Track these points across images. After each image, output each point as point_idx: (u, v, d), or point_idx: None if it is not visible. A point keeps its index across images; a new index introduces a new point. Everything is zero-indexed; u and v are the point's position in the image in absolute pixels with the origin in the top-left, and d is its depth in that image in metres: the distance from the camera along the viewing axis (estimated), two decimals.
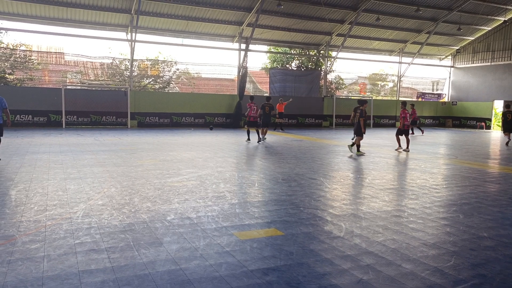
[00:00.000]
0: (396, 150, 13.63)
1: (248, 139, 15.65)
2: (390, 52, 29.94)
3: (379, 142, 16.78)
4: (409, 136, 14.10)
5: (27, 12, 20.31)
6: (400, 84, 32.05)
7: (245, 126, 15.84)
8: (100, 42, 44.36)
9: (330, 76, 30.17)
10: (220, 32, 24.46)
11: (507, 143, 16.44)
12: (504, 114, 16.85)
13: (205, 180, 7.61)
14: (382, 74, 34.45)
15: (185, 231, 4.60)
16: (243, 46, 24.63)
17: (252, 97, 16.17)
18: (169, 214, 5.25)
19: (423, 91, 32.61)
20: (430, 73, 43.59)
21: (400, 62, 30.30)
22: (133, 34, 22.07)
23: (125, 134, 17.81)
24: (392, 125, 29.82)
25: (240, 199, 6.19)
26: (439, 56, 31.64)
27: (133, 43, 22.27)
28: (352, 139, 13.41)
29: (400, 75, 30.80)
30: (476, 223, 5.21)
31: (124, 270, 3.50)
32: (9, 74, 21.78)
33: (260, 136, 15.51)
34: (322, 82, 28.31)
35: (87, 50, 53.92)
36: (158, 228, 4.69)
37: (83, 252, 3.88)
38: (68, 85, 22.48)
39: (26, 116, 20.38)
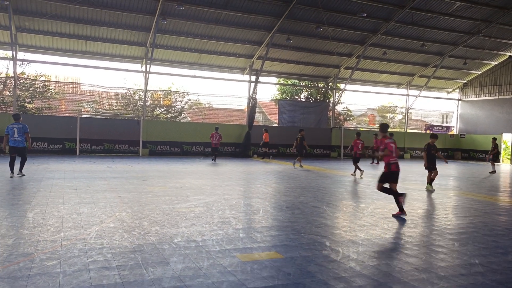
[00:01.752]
0: (351, 174, 15.48)
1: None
2: (398, 84, 30.45)
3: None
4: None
5: (49, 45, 21.37)
6: (409, 116, 32.42)
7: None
8: (115, 73, 45.82)
9: (339, 108, 30.70)
10: (231, 64, 25.29)
11: None
12: None
13: (212, 206, 7.93)
14: (391, 106, 34.91)
15: (190, 252, 4.90)
16: (253, 78, 25.37)
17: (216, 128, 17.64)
18: (176, 237, 5.56)
19: (432, 123, 32.88)
20: (439, 105, 43.84)
21: (407, 95, 30.75)
22: (148, 65, 22.96)
23: (136, 162, 18.29)
24: (401, 157, 29.90)
25: (244, 225, 6.48)
26: (447, 89, 32.07)
27: (147, 74, 23.14)
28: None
29: (408, 107, 31.17)
30: (469, 250, 5.42)
31: (133, 285, 3.81)
32: (28, 103, 22.66)
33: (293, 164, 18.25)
34: (330, 113, 28.79)
35: (103, 80, 55.57)
36: (165, 249, 4.99)
37: (96, 269, 4.20)
38: (84, 114, 23.26)
39: (42, 143, 21.06)
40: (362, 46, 25.21)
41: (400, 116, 33.26)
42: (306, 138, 25.22)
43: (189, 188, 10.30)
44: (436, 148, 11.91)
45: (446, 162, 13.05)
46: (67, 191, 9.22)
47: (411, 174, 17.20)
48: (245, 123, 25.75)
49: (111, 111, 24.44)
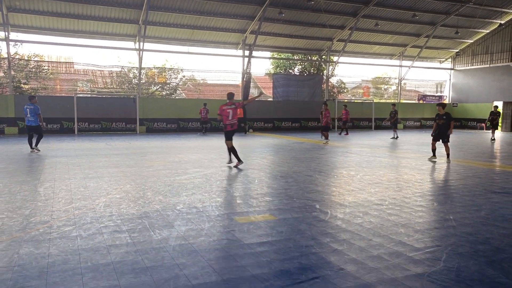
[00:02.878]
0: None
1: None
2: (391, 56, 30.65)
3: (378, 143, 17.47)
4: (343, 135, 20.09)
5: (41, 25, 21.37)
6: (404, 87, 32.76)
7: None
8: (109, 51, 45.54)
9: (333, 80, 30.99)
10: (225, 39, 25.37)
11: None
12: None
13: (210, 177, 8.41)
14: (386, 77, 35.18)
15: (192, 217, 5.39)
16: (247, 52, 25.51)
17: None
18: (179, 205, 6.05)
19: (425, 94, 33.28)
20: (432, 75, 44.18)
21: (400, 66, 31.01)
22: (141, 43, 23.05)
23: (134, 139, 18.69)
24: None
25: (241, 193, 6.98)
26: (439, 59, 32.31)
27: (141, 52, 23.24)
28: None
29: (401, 78, 31.47)
30: (446, 209, 5.95)
31: (143, 244, 4.30)
32: (24, 84, 22.82)
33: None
34: (324, 86, 29.09)
35: (97, 59, 55.18)
36: (169, 215, 5.48)
37: (108, 233, 4.69)
38: (80, 93, 23.47)
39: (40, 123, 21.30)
40: (354, 18, 25.30)
41: (394, 87, 33.60)
42: (301, 111, 25.75)
43: (187, 162, 10.76)
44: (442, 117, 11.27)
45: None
46: (71, 167, 9.66)
47: (403, 143, 17.72)
48: (240, 98, 26.02)
49: (106, 90, 24.65)
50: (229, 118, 10.13)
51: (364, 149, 14.63)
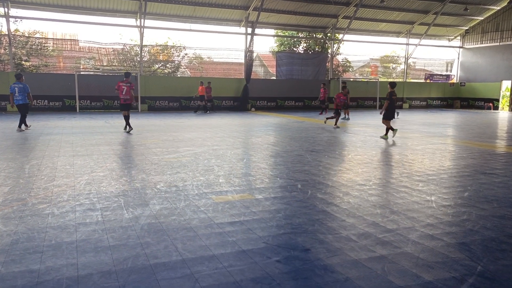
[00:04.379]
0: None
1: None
2: (398, 33, 29.98)
3: (379, 123, 17.24)
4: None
5: (41, 1, 21.15)
6: (413, 66, 32.15)
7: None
8: (111, 28, 45.23)
9: (339, 58, 30.52)
10: (227, 16, 24.96)
11: None
12: None
13: (199, 156, 8.37)
14: (394, 56, 34.53)
15: (170, 196, 5.36)
16: (250, 30, 25.11)
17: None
18: (160, 183, 6.02)
19: (432, 72, 32.67)
20: (440, 54, 43.29)
21: (407, 44, 30.34)
22: (142, 20, 22.77)
23: (135, 117, 18.66)
24: (399, 107, 30.04)
25: (226, 172, 6.92)
26: (448, 37, 31.54)
27: (142, 29, 22.99)
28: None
29: (408, 56, 30.85)
30: (430, 190, 5.84)
31: (112, 223, 4.29)
32: (25, 61, 22.79)
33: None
34: (328, 65, 28.65)
35: (99, 36, 54.91)
36: (147, 193, 5.46)
37: (81, 211, 4.68)
38: (82, 71, 23.41)
39: (42, 101, 21.42)
40: None
41: (403, 66, 33.01)
42: (304, 90, 25.43)
43: (181, 141, 10.72)
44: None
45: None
46: (63, 145, 9.67)
47: (404, 123, 17.49)
48: (243, 77, 25.78)
49: (108, 68, 24.54)
50: (123, 93, 12.27)
51: (363, 129, 14.47)
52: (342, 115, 18.88)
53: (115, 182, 6.07)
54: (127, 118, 12.58)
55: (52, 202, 4.98)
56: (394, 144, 10.84)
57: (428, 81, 32.01)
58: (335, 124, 14.78)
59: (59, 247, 3.62)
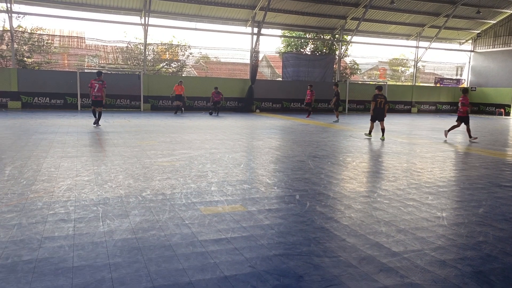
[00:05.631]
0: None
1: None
2: (408, 36, 29.33)
3: (388, 127, 16.66)
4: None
5: None
6: (422, 69, 31.49)
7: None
8: (116, 26, 45.03)
9: (346, 60, 29.95)
10: (233, 16, 24.51)
11: None
12: None
13: (194, 160, 7.90)
14: (403, 59, 33.87)
15: (154, 205, 4.89)
16: (256, 30, 24.64)
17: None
18: (146, 190, 5.56)
19: (442, 77, 31.97)
20: (451, 58, 42.52)
21: (417, 47, 29.70)
22: (147, 18, 22.39)
23: (136, 117, 18.29)
24: (408, 111, 29.44)
25: (220, 178, 6.44)
26: (459, 41, 30.82)
27: (146, 27, 22.62)
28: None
29: (417, 60, 30.19)
30: (441, 204, 5.32)
31: (83, 237, 3.82)
32: (27, 57, 22.51)
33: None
34: (336, 66, 28.09)
35: (104, 34, 54.77)
36: (130, 202, 5.00)
37: (53, 222, 4.22)
38: (85, 69, 23.08)
39: (44, 98, 21.10)
40: None
41: (412, 70, 32.34)
42: (315, 92, 24.51)
43: (178, 143, 10.27)
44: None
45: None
46: (54, 145, 9.26)
47: (413, 128, 16.91)
48: (248, 77, 25.31)
49: (112, 66, 24.21)
50: (95, 90, 13.59)
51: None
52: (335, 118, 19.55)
53: (98, 188, 5.62)
54: (98, 114, 13.63)
55: (23, 211, 4.53)
56: (402, 151, 10.30)
57: (438, 85, 31.32)
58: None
59: (14, 267, 3.16)
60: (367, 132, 12.78)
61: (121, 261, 3.34)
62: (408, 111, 29.44)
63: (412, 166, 7.99)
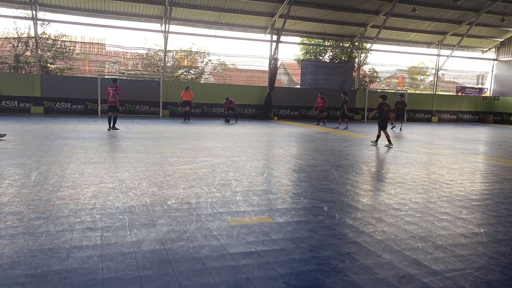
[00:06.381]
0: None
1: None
2: (428, 44, 28.94)
3: (408, 136, 16.39)
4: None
5: (68, 4, 21.22)
6: (441, 78, 31.00)
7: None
8: (136, 33, 45.61)
9: (365, 68, 29.67)
10: (252, 23, 24.55)
11: None
12: None
13: (217, 168, 7.81)
14: (422, 67, 33.42)
15: (180, 215, 4.80)
16: (275, 37, 24.61)
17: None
18: (171, 199, 5.48)
19: (463, 85, 31.40)
20: (472, 66, 41.80)
21: (438, 55, 29.25)
22: (167, 25, 22.58)
23: (155, 123, 18.36)
24: (428, 120, 28.96)
25: (244, 188, 6.33)
26: (482, 49, 30.27)
27: (166, 34, 22.80)
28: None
29: (438, 68, 29.72)
30: (477, 219, 5.10)
31: (111, 247, 3.74)
32: (51, 63, 22.89)
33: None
34: (355, 74, 27.84)
35: (125, 41, 55.54)
36: (156, 211, 4.92)
37: (80, 230, 4.16)
38: (106, 75, 23.34)
39: (65, 104, 21.39)
40: (390, 3, 23.83)
41: (431, 78, 31.86)
42: (329, 100, 24.48)
43: (199, 150, 10.21)
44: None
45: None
46: (77, 150, 9.29)
47: (435, 137, 16.57)
48: (267, 85, 25.25)
49: (132, 72, 24.44)
50: (109, 96, 14.47)
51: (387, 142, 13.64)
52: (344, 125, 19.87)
53: (123, 195, 5.56)
54: (112, 118, 14.41)
55: (50, 218, 4.49)
56: (428, 161, 10.04)
57: (460, 94, 30.75)
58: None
59: (44, 278, 3.08)
60: (388, 143, 12.50)
61: (151, 273, 3.24)
62: (428, 120, 28.96)
63: (440, 178, 7.75)
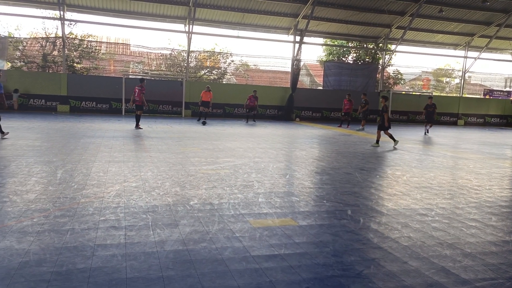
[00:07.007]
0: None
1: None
2: (455, 46, 28.31)
3: (434, 140, 16.04)
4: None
5: (94, 5, 21.65)
6: (468, 80, 30.27)
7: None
8: (160, 33, 46.17)
9: (389, 70, 29.24)
10: (275, 24, 24.51)
11: None
12: None
13: (239, 169, 7.79)
14: (448, 69, 32.71)
15: (202, 215, 4.80)
16: (298, 38, 24.49)
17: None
18: (193, 199, 5.48)
19: (491, 88, 30.56)
20: (501, 69, 40.62)
21: (465, 57, 28.55)
22: (191, 26, 22.76)
23: (177, 123, 18.53)
24: (454, 123, 28.32)
25: (266, 189, 6.29)
26: (511, 51, 29.37)
27: (190, 34, 22.98)
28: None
29: (465, 70, 29.01)
30: (507, 226, 4.92)
31: (135, 247, 3.76)
32: (77, 63, 23.40)
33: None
34: (379, 76, 27.45)
35: (149, 41, 56.35)
36: (179, 211, 4.93)
37: (104, 228, 4.20)
38: (130, 75, 23.71)
39: (91, 103, 21.82)
40: (416, 4, 23.40)
41: (457, 80, 31.15)
42: (354, 101, 24.13)
43: (221, 150, 10.22)
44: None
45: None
46: (102, 149, 9.44)
47: (461, 141, 16.16)
48: (289, 86, 25.15)
49: (156, 72, 24.75)
50: (135, 95, 14.87)
51: (416, 146, 13.40)
52: (360, 126, 19.84)
53: (146, 195, 5.60)
54: (137, 117, 14.87)
55: (76, 216, 4.55)
56: (455, 166, 9.78)
57: (487, 97, 29.95)
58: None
59: (69, 276, 3.12)
60: (394, 142, 12.86)
61: (174, 274, 3.24)
62: (454, 124, 28.32)
63: (468, 183, 7.53)
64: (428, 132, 18.67)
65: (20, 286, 2.93)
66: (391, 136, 12.80)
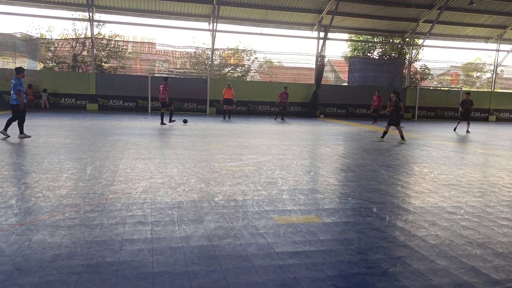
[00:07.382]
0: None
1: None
2: (487, 39, 27.44)
3: (463, 136, 15.63)
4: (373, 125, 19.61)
5: (122, 5, 22.07)
6: (500, 74, 29.31)
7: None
8: (185, 32, 46.61)
9: (416, 65, 28.62)
10: (299, 20, 24.37)
11: None
12: None
13: (263, 166, 7.81)
14: (479, 63, 31.74)
15: (227, 212, 4.84)
16: (322, 34, 24.28)
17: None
18: (218, 195, 5.53)
19: None
20: None
21: (497, 50, 27.64)
22: (215, 24, 22.90)
23: (202, 120, 18.71)
24: (485, 119, 27.49)
25: (290, 186, 6.28)
26: None
27: (214, 32, 23.13)
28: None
29: (497, 64, 28.09)
30: None
31: (161, 242, 3.83)
32: (105, 62, 23.93)
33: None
34: (405, 71, 26.92)
35: (174, 40, 57.02)
36: (203, 207, 4.98)
37: (131, 224, 4.30)
38: (156, 73, 24.07)
39: (118, 101, 22.29)
40: None
41: (489, 75, 30.20)
42: (382, 98, 23.49)
43: (245, 147, 10.27)
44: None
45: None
46: (129, 146, 9.64)
47: (493, 138, 15.68)
48: (313, 82, 24.99)
49: (180, 70, 25.04)
50: (160, 93, 15.61)
51: (445, 143, 13.08)
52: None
53: (172, 191, 5.69)
54: (162, 115, 15.63)
55: (104, 211, 4.67)
56: (485, 163, 9.51)
57: None
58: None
59: (98, 269, 3.21)
60: (401, 139, 12.78)
61: (199, 269, 3.28)
62: (485, 119, 27.50)
63: (499, 181, 7.31)
64: (469, 131, 17.38)
65: (53, 278, 3.03)
66: (385, 132, 13.18)
